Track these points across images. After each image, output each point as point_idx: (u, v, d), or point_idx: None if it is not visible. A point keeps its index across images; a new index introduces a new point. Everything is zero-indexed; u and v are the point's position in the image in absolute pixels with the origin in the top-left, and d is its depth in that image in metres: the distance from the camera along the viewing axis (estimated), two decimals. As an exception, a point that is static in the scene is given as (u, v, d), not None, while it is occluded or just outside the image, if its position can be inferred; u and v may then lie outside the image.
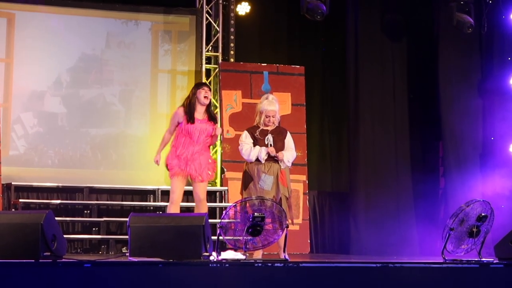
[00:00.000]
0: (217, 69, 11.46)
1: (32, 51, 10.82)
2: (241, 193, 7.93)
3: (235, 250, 6.56)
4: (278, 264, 5.75)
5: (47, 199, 9.93)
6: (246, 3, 11.55)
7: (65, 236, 6.27)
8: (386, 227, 11.05)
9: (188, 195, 9.21)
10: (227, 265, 5.68)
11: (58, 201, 9.84)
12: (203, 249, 5.97)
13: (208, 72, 11.59)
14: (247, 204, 6.20)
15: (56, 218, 6.09)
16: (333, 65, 12.05)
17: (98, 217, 9.85)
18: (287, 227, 6.28)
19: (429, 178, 11.52)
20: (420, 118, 11.76)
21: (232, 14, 11.61)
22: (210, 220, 6.40)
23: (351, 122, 11.47)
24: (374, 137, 11.49)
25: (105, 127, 11.09)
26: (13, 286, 5.16)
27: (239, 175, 8.24)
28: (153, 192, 10.31)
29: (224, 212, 6.25)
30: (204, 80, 11.39)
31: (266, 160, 7.81)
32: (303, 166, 11.12)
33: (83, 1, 11.05)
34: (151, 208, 10.15)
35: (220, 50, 11.57)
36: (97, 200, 10.14)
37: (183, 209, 8.24)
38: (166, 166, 8.05)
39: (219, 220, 6.30)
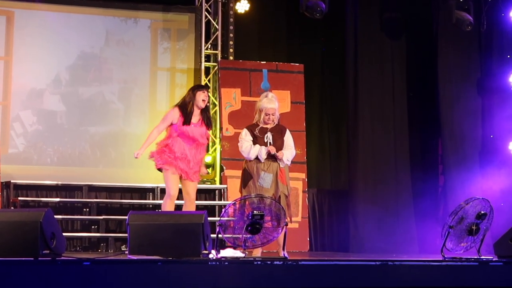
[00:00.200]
0: (216, 67, 11.46)
1: (31, 49, 10.81)
2: (240, 191, 7.92)
3: (234, 248, 6.55)
4: (277, 262, 5.75)
5: (46, 197, 9.94)
6: (245, 1, 11.53)
7: (64, 234, 6.26)
8: (386, 225, 11.05)
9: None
10: (226, 263, 5.68)
11: (57, 199, 9.85)
12: (202, 247, 5.97)
13: (207, 70, 11.58)
14: (247, 202, 6.20)
15: (55, 216, 6.09)
16: (333, 63, 12.05)
17: (97, 215, 9.85)
18: (286, 225, 6.28)
19: (429, 176, 11.52)
20: (419, 116, 11.76)
21: (231, 12, 11.60)
22: (209, 218, 6.40)
23: (350, 120, 11.47)
24: (374, 135, 11.49)
25: (104, 125, 11.09)
26: (13, 284, 5.16)
27: (238, 173, 8.23)
28: (152, 190, 10.31)
29: (223, 210, 6.25)
30: (203, 78, 11.39)
31: (265, 158, 7.81)
32: (302, 164, 11.12)
33: (82, -1, 11.08)
34: (150, 206, 10.15)
35: (219, 48, 11.57)
36: (96, 198, 10.14)
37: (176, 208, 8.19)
38: (155, 160, 7.90)
39: (218, 218, 6.29)
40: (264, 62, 11.39)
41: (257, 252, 7.43)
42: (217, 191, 10.65)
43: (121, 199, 10.27)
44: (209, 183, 11.15)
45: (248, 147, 7.82)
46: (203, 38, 11.45)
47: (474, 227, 6.60)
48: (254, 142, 7.84)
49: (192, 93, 7.98)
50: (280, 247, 7.24)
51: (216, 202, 10.47)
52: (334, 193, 11.85)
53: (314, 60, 12.01)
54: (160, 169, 7.95)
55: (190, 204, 7.99)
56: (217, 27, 11.60)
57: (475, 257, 6.53)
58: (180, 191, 8.05)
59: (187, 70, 11.49)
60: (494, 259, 6.43)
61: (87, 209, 9.88)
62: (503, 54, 11.30)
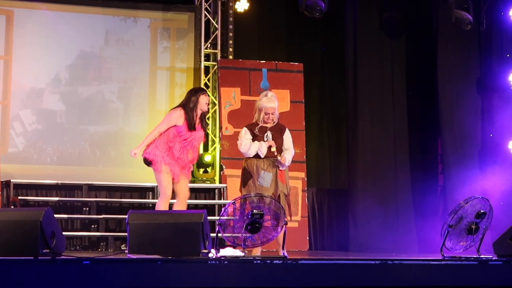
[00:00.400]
0: (216, 66, 11.46)
1: (31, 48, 10.82)
2: (240, 190, 7.92)
3: (234, 247, 6.55)
4: (277, 261, 5.74)
5: (46, 196, 9.94)
6: (245, 0, 11.53)
7: (64, 233, 6.26)
8: (385, 224, 11.06)
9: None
10: (226, 262, 5.68)
11: (57, 198, 9.85)
12: (202, 246, 5.97)
13: (206, 69, 11.59)
14: (246, 201, 6.20)
15: (55, 215, 6.09)
16: (332, 62, 12.05)
17: (97, 214, 9.84)
18: (286, 224, 6.28)
19: (428, 175, 11.52)
20: (419, 115, 11.76)
21: (230, 11, 11.60)
22: (208, 217, 6.40)
23: (350, 120, 11.47)
24: (373, 135, 11.49)
25: (104, 124, 11.09)
26: (12, 284, 5.16)
27: (238, 172, 8.23)
28: (151, 189, 10.31)
29: (223, 209, 6.25)
30: (202, 77, 11.40)
31: (265, 157, 7.81)
32: (302, 163, 11.13)
33: (81, -2, 11.08)
34: (150, 205, 10.14)
35: (219, 47, 11.57)
36: (96, 197, 10.15)
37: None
38: (149, 160, 7.87)
39: (218, 217, 6.29)
40: (264, 61, 11.39)
41: (257, 251, 7.43)
42: (216, 190, 10.65)
43: (121, 198, 10.28)
44: (209, 182, 11.15)
45: (247, 144, 7.82)
46: (202, 37, 11.46)
47: (473, 226, 6.60)
48: (254, 141, 7.84)
49: (195, 97, 7.89)
50: (280, 246, 7.24)
51: (216, 201, 10.47)
52: (333, 192, 11.85)
53: (313, 59, 12.01)
54: (148, 163, 7.86)
55: (184, 203, 7.97)
56: (216, 26, 11.60)
57: (475, 256, 6.53)
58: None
59: (186, 70, 11.49)
60: (493, 258, 6.43)
61: (87, 208, 9.88)
62: (502, 53, 11.30)
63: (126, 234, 6.17)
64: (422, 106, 11.76)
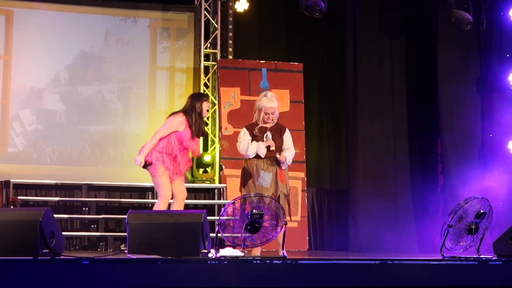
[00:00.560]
0: (216, 66, 11.45)
1: (31, 49, 10.81)
2: (240, 190, 7.93)
3: (234, 247, 6.55)
4: (277, 261, 5.74)
5: (46, 196, 9.93)
6: (245, 0, 11.53)
7: (63, 233, 6.26)
8: (385, 224, 11.05)
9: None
10: (225, 262, 5.68)
11: (57, 198, 9.84)
12: (202, 246, 5.97)
13: (206, 69, 11.58)
14: (246, 201, 6.19)
15: (55, 215, 6.09)
16: (332, 62, 12.04)
17: (96, 214, 9.84)
18: (286, 224, 6.28)
19: (428, 175, 11.52)
20: (418, 115, 11.76)
21: (230, 11, 11.60)
22: (208, 217, 6.39)
23: (349, 120, 11.46)
24: (373, 135, 11.49)
25: (104, 125, 11.09)
26: (12, 283, 5.16)
27: (238, 172, 8.24)
28: (151, 189, 10.29)
29: (222, 209, 6.25)
30: (202, 77, 11.40)
31: (265, 157, 7.81)
32: (302, 163, 11.12)
33: (81, -2, 11.08)
34: (150, 205, 10.13)
35: (218, 47, 11.57)
36: (96, 197, 10.14)
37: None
38: (148, 163, 7.86)
39: (218, 217, 6.29)
40: (264, 61, 11.39)
41: (257, 251, 7.43)
42: (216, 190, 10.64)
43: (121, 198, 10.27)
44: (209, 182, 11.15)
45: (245, 145, 7.83)
46: (202, 37, 11.45)
47: (473, 226, 6.59)
48: (252, 142, 7.84)
49: (199, 105, 7.87)
50: (280, 246, 7.24)
51: (216, 201, 10.47)
52: (333, 192, 11.85)
53: (313, 59, 12.01)
54: (146, 166, 7.86)
55: (182, 202, 7.97)
56: (216, 26, 11.59)
57: (475, 256, 6.53)
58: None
59: (186, 69, 11.49)
60: (493, 258, 6.42)
61: (87, 208, 9.88)
62: (502, 53, 11.30)
63: (125, 234, 6.17)
64: (422, 106, 11.76)
